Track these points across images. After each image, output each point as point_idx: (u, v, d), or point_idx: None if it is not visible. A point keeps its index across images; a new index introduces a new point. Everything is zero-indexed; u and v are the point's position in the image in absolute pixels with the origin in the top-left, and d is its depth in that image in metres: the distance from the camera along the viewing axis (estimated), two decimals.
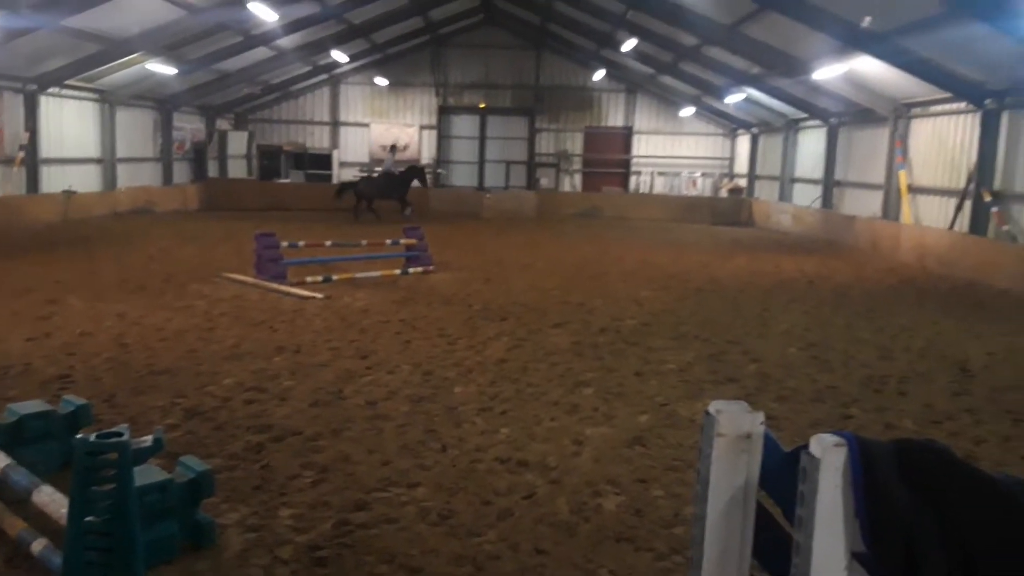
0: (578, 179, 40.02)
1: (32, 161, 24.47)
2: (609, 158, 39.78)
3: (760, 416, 2.61)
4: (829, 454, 2.33)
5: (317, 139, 39.65)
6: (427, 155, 39.70)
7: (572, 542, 5.15)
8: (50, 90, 24.87)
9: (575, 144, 39.93)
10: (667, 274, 17.53)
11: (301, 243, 16.08)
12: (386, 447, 6.64)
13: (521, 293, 14.35)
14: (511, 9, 35.17)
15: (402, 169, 29.74)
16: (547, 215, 32.91)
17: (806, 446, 2.40)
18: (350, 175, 38.94)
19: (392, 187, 28.65)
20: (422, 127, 39.78)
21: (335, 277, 15.05)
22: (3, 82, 23.18)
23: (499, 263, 18.31)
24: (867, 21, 18.32)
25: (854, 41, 19.34)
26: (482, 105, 39.56)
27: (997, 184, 19.68)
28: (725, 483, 2.62)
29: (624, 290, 15.03)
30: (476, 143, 40.35)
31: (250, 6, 21.44)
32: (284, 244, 15.24)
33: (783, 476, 2.52)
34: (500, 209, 32.87)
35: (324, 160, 38.82)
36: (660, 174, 39.32)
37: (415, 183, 29.48)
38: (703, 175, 39.30)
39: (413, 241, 16.92)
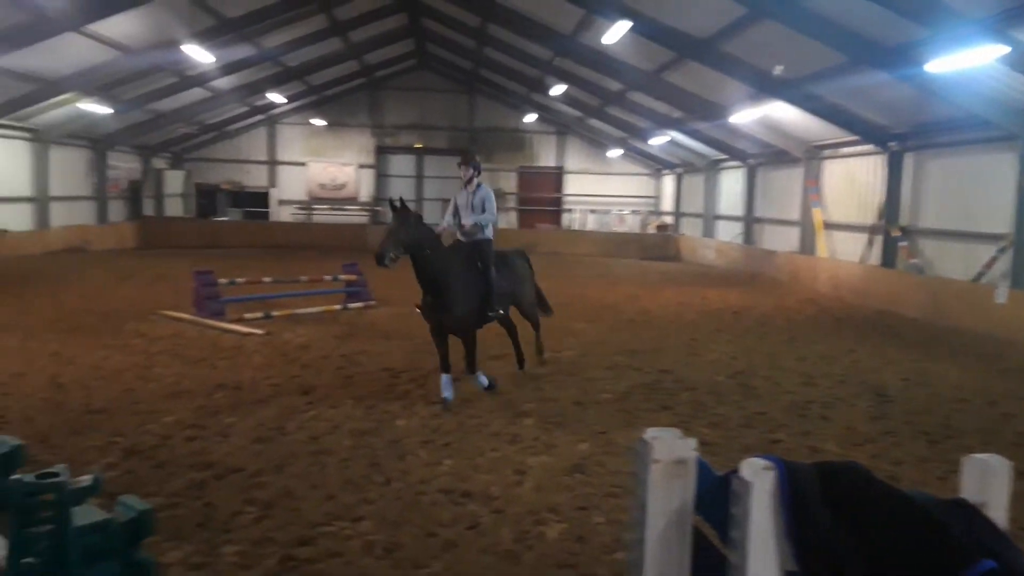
0: (513, 217, 40.92)
1: None
2: (542, 196, 41.25)
3: (693, 442, 2.68)
4: (759, 478, 2.40)
5: (254, 178, 39.39)
6: (365, 193, 39.73)
7: (516, 570, 5.21)
8: None
9: (509, 183, 40.80)
10: (600, 306, 17.68)
11: (240, 280, 15.94)
12: (330, 482, 6.62)
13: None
14: (444, 55, 35.55)
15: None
16: None
17: (737, 470, 2.46)
18: (288, 214, 38.71)
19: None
20: (360, 166, 39.81)
21: (275, 313, 14.94)
22: None
23: None
24: (778, 70, 19.15)
25: (767, 88, 20.13)
26: (418, 145, 39.92)
27: (904, 220, 20.64)
28: (661, 508, 2.66)
29: (559, 322, 14.71)
30: (414, 181, 40.59)
31: (185, 48, 21.26)
32: (223, 281, 15.11)
33: (717, 500, 2.57)
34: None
35: (261, 198, 38.96)
36: (591, 211, 40.75)
37: None
38: (632, 212, 40.81)
39: (353, 277, 16.87)
